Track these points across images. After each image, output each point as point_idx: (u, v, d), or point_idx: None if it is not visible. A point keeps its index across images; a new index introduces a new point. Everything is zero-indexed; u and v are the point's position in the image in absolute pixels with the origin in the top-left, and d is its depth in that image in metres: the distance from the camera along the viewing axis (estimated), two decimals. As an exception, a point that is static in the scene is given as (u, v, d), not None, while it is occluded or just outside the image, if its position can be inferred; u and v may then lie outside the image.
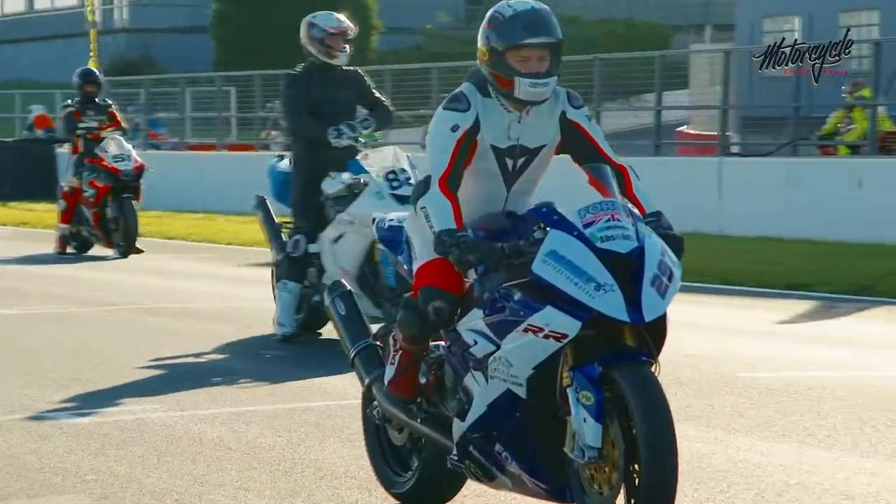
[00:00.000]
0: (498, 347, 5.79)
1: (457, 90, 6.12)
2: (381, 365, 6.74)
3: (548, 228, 5.75)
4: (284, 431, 9.68)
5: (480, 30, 6.09)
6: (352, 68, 13.83)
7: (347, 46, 13.54)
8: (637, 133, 31.44)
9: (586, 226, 5.66)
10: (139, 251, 23.68)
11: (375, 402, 6.85)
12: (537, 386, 5.74)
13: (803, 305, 16.37)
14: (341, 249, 12.99)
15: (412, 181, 12.72)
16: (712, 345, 13.83)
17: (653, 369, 5.73)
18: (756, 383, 11.79)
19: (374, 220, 7.35)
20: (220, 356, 12.96)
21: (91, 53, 41.88)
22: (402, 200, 12.48)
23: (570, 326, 5.50)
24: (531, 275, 5.64)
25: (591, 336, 5.58)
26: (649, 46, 40.12)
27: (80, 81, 25.09)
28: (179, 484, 8.24)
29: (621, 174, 6.09)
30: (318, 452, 9.01)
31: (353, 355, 6.94)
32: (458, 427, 6.12)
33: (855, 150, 26.67)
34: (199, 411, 10.57)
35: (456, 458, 6.21)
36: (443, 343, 6.36)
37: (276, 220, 13.79)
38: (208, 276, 20.97)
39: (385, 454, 7.01)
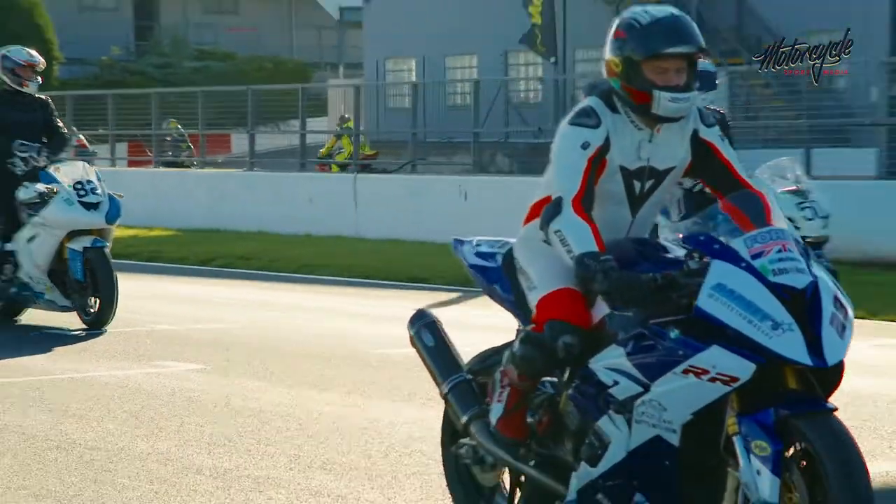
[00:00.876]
0: (646, 389, 4.79)
1: (583, 104, 5.05)
2: (478, 401, 5.63)
3: (707, 258, 4.72)
4: None
5: (609, 40, 4.99)
6: (42, 96, 13.61)
7: (38, 77, 13.35)
8: (286, 152, 31.48)
9: (754, 256, 4.66)
10: None
11: (463, 441, 5.68)
12: (692, 433, 4.76)
13: (422, 294, 16.43)
14: (35, 248, 12.80)
15: (98, 191, 12.81)
16: (343, 325, 14.24)
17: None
18: (385, 358, 11.88)
19: (456, 242, 6.04)
20: None
21: None
22: (88, 207, 12.72)
23: (743, 369, 4.53)
24: (696, 310, 4.62)
25: (756, 379, 4.60)
26: (293, 80, 40.47)
27: None
28: None
29: (756, 198, 4.99)
30: (22, 419, 9.00)
31: (446, 391, 5.73)
32: (586, 473, 5.04)
33: (343, 167, 28.45)
34: None
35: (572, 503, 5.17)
36: (552, 380, 5.32)
37: None
38: None
39: (470, 493, 5.93)
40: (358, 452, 7.95)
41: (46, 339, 12.62)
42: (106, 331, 12.59)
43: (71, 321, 12.95)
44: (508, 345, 5.42)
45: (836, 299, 4.58)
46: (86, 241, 12.72)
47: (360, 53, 44.58)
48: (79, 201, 12.77)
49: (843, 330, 4.53)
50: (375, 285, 17.81)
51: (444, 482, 6.82)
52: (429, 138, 30.10)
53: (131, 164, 31.38)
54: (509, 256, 5.46)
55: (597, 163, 4.91)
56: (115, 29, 55.94)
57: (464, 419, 5.51)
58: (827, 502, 4.47)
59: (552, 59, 30.14)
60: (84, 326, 12.71)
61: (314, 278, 18.63)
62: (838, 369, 4.54)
